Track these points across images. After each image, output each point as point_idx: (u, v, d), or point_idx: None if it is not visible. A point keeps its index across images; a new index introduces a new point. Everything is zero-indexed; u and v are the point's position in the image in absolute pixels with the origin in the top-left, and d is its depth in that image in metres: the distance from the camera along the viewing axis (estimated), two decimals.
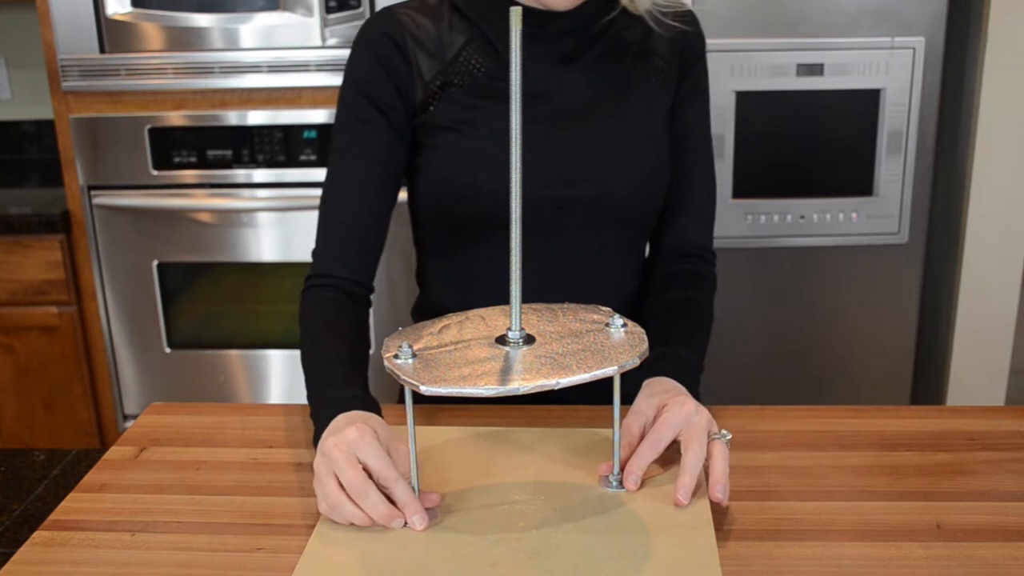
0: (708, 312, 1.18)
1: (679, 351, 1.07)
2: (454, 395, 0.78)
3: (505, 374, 0.79)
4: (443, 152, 1.13)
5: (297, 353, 2.39)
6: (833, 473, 0.98)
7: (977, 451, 1.02)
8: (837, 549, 0.85)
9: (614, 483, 0.93)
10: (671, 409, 0.94)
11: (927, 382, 2.29)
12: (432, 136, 1.13)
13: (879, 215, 2.05)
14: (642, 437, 0.95)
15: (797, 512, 0.91)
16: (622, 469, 0.94)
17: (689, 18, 1.19)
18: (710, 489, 0.90)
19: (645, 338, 0.85)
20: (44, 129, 2.65)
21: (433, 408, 1.10)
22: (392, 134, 1.13)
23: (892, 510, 0.91)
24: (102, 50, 2.09)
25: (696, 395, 1.02)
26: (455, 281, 1.20)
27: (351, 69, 1.14)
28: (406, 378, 0.79)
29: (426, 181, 1.16)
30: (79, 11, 2.06)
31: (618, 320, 0.88)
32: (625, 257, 1.20)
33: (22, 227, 2.18)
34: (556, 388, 0.78)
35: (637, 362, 0.82)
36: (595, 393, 1.01)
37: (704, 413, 0.95)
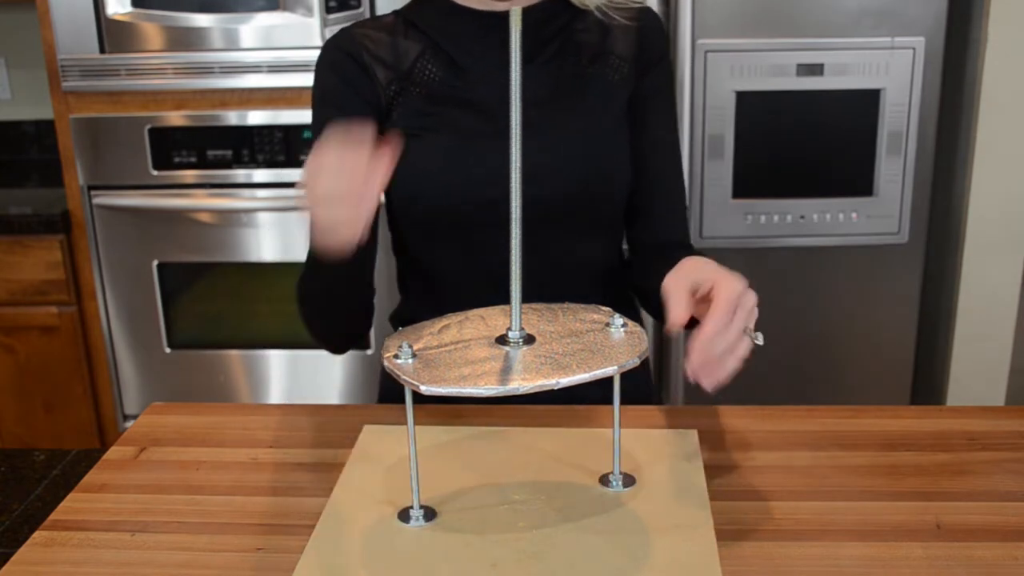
0: None
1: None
2: (454, 395, 0.78)
3: (505, 374, 0.79)
4: (407, 158, 1.14)
5: (297, 353, 2.40)
6: (833, 473, 0.98)
7: (977, 451, 1.02)
8: (837, 549, 0.85)
9: (614, 483, 0.93)
10: (727, 280, 0.88)
11: (927, 382, 2.29)
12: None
13: (879, 215, 2.05)
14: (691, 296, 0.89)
15: (797, 512, 0.91)
16: (622, 470, 0.94)
17: (644, 15, 1.18)
18: (705, 378, 0.84)
19: (645, 338, 0.85)
20: (44, 129, 2.65)
21: (433, 408, 1.10)
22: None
23: (892, 510, 0.91)
24: (102, 50, 2.09)
25: None
26: (429, 285, 1.22)
27: (316, 86, 1.17)
28: (406, 378, 0.79)
29: (395, 187, 1.17)
30: (79, 11, 2.06)
31: (618, 320, 0.88)
32: (594, 253, 1.21)
33: (22, 227, 2.18)
34: (556, 388, 0.78)
35: (637, 362, 0.82)
36: (595, 393, 1.01)
37: (752, 296, 0.88)
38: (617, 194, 1.18)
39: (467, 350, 0.84)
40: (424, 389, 0.78)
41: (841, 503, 0.92)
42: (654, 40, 1.19)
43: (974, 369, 2.17)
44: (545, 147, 1.13)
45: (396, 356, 0.82)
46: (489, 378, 0.79)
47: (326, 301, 1.15)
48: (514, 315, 0.83)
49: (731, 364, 0.85)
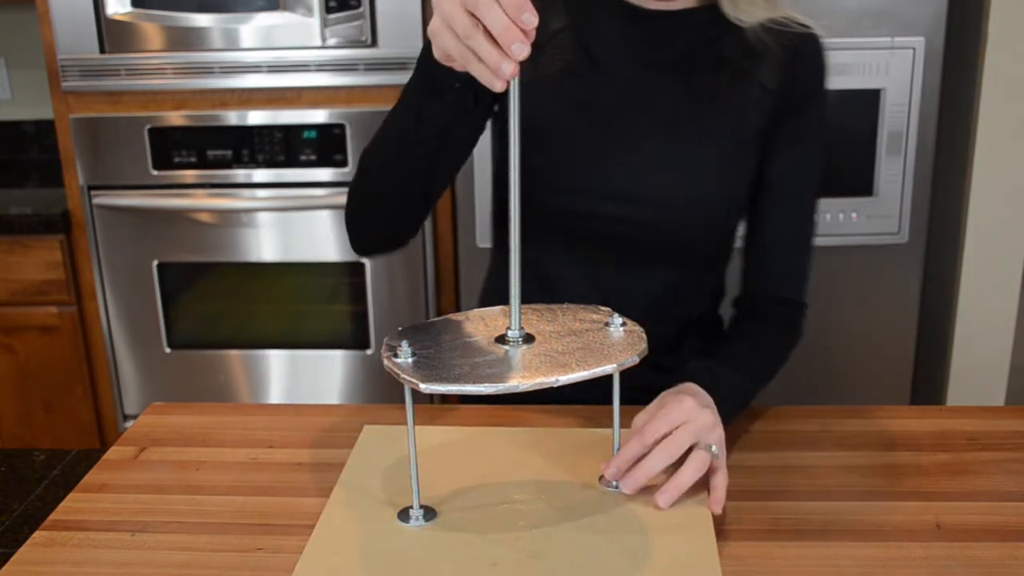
0: (777, 357, 1.14)
1: (727, 371, 1.02)
2: (454, 392, 0.78)
3: (505, 372, 0.79)
4: (505, 145, 1.11)
5: (297, 353, 2.39)
6: (833, 473, 0.98)
7: (977, 451, 1.02)
8: (837, 549, 0.85)
9: (614, 483, 0.93)
10: (669, 405, 0.93)
11: (927, 382, 2.29)
12: (501, 120, 1.11)
13: (879, 215, 2.05)
14: None
15: (797, 512, 0.91)
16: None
17: (804, 43, 1.08)
18: (658, 494, 0.89)
19: (644, 337, 0.85)
20: (44, 129, 2.65)
21: (434, 408, 1.10)
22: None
23: (892, 510, 0.91)
24: (102, 50, 2.09)
25: (723, 416, 0.96)
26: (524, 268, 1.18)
27: None
28: (406, 376, 0.79)
29: (497, 169, 1.14)
30: (79, 11, 2.06)
31: (617, 319, 0.88)
32: (690, 280, 1.15)
33: (22, 227, 2.18)
34: (556, 386, 0.78)
35: (636, 360, 0.82)
36: (594, 393, 1.01)
37: (704, 418, 0.92)
38: (720, 226, 1.12)
39: (467, 349, 0.84)
40: (423, 387, 0.78)
41: (841, 503, 0.92)
42: (809, 74, 1.09)
43: (974, 369, 2.17)
44: (659, 160, 1.08)
45: (395, 355, 0.82)
46: (489, 376, 0.79)
47: (395, 157, 1.03)
48: (513, 314, 0.83)
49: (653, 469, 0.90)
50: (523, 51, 0.74)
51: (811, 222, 1.15)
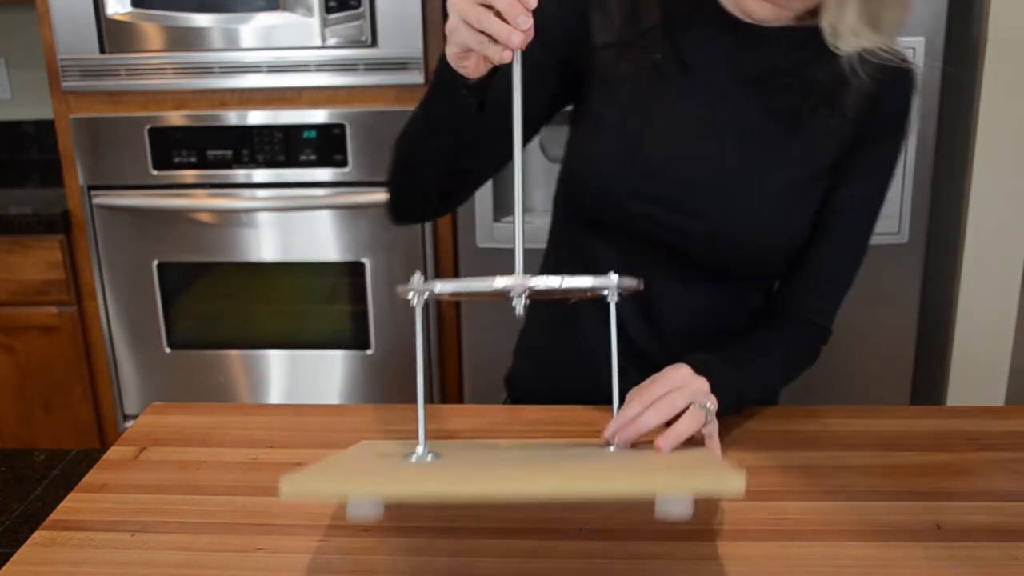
0: (786, 372, 1.13)
1: (723, 366, 1.01)
2: (463, 291, 0.85)
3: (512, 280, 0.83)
4: (581, 138, 1.11)
5: (297, 353, 2.39)
6: (833, 473, 0.98)
7: (977, 451, 1.02)
8: (837, 549, 0.85)
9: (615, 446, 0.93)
10: (666, 372, 0.96)
11: (927, 382, 2.29)
12: (579, 112, 1.11)
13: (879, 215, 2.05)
14: None
15: (797, 512, 0.91)
16: None
17: (896, 76, 1.05)
18: (658, 437, 0.89)
19: (641, 284, 0.89)
20: (44, 129, 2.65)
21: (434, 408, 1.10)
22: (544, 56, 1.02)
23: (892, 510, 0.91)
24: (102, 50, 2.09)
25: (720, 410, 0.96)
26: (578, 259, 1.16)
27: None
28: (418, 286, 0.84)
29: (564, 165, 1.14)
30: (79, 11, 2.06)
31: (614, 276, 0.89)
32: (721, 299, 1.14)
33: (22, 227, 2.18)
34: (560, 288, 0.83)
35: (634, 284, 0.87)
36: (597, 394, 1.02)
37: (698, 383, 0.94)
38: (778, 252, 1.10)
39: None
40: (437, 286, 0.83)
41: (841, 503, 0.92)
42: (893, 110, 1.07)
43: (974, 369, 2.17)
44: (730, 178, 1.06)
45: (408, 285, 0.86)
46: (498, 280, 0.82)
47: (424, 137, 1.06)
48: (518, 259, 0.85)
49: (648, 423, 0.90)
50: (527, 22, 0.84)
51: (860, 254, 1.14)
